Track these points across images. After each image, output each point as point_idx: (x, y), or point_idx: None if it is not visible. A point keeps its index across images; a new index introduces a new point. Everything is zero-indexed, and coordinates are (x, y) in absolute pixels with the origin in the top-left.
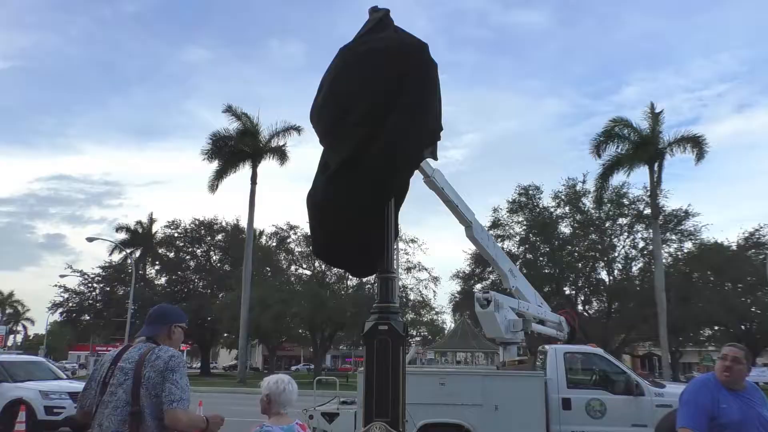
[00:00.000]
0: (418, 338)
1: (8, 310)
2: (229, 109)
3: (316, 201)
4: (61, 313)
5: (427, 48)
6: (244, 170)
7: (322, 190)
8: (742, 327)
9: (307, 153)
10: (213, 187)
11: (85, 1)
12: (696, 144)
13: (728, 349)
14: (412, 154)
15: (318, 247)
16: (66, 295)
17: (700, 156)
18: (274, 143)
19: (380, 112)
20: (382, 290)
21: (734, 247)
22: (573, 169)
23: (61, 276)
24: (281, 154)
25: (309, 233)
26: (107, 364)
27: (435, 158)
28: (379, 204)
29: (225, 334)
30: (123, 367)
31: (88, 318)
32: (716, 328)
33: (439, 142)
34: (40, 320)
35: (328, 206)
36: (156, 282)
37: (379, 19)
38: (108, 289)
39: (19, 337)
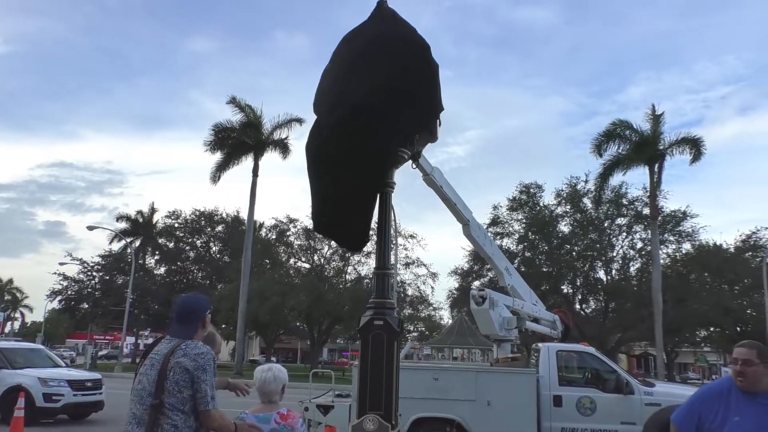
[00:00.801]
0: (415, 334)
1: (6, 297)
2: (233, 101)
3: (318, 154)
4: (60, 301)
5: (429, 49)
6: (246, 162)
7: (324, 141)
8: (738, 329)
9: None
10: (215, 178)
11: None
12: (694, 145)
13: (738, 350)
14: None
15: (316, 217)
16: (65, 283)
17: (696, 157)
18: (276, 135)
19: (381, 97)
20: (378, 286)
21: (732, 250)
22: (575, 168)
23: (61, 264)
24: (283, 147)
25: (310, 219)
26: (142, 358)
27: (435, 139)
28: (373, 166)
29: (223, 326)
30: (153, 357)
31: (86, 306)
32: (712, 329)
33: (441, 138)
34: (39, 307)
35: (328, 161)
36: (155, 272)
37: (379, 7)
38: (107, 277)
39: (17, 324)
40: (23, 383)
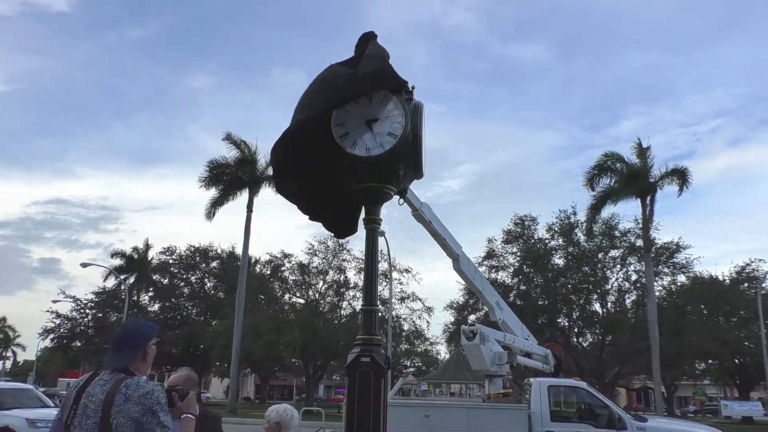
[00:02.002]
0: (412, 369)
1: None
2: (228, 137)
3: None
4: (52, 339)
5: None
6: (241, 198)
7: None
8: (736, 361)
9: None
10: (210, 214)
11: (90, 26)
12: (681, 176)
13: None
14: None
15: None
16: (58, 321)
17: (682, 187)
18: (271, 171)
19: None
20: (365, 322)
21: (727, 281)
22: (569, 201)
23: (54, 301)
24: None
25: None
26: (70, 401)
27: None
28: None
29: (217, 363)
30: (86, 404)
31: (79, 344)
32: (710, 361)
33: (434, 172)
34: (31, 346)
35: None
36: (149, 309)
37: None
38: (100, 315)
39: (9, 363)
40: (10, 424)
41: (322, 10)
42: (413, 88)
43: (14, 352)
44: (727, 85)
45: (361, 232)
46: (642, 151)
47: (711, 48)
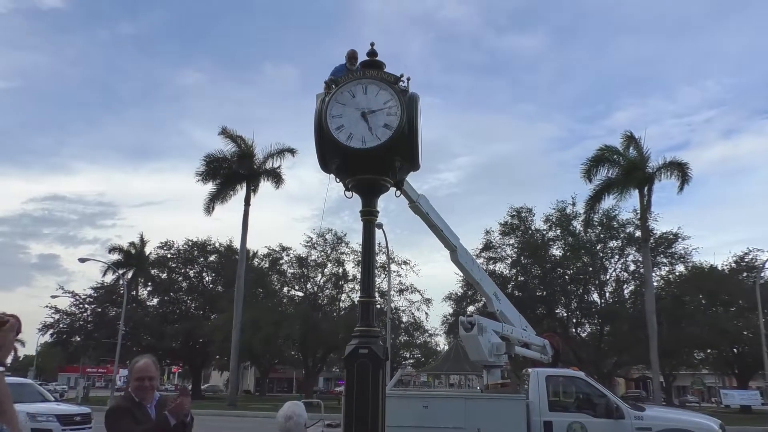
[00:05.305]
0: (411, 361)
1: None
2: (224, 132)
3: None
4: (52, 334)
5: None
6: (239, 192)
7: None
8: (735, 350)
9: (301, 174)
10: (208, 209)
11: (83, 22)
12: (680, 170)
13: None
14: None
15: None
16: (57, 316)
17: (683, 182)
18: (268, 165)
19: None
20: (363, 313)
21: (726, 271)
22: (565, 192)
23: (53, 297)
24: (276, 177)
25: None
26: None
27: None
28: None
29: (217, 356)
30: None
31: (78, 339)
32: (709, 351)
33: (431, 164)
34: (31, 341)
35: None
36: (148, 303)
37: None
38: (99, 310)
39: (9, 358)
40: None
41: (314, 3)
42: (408, 79)
43: (15, 348)
44: (720, 75)
45: (359, 224)
46: (630, 142)
47: (704, 38)
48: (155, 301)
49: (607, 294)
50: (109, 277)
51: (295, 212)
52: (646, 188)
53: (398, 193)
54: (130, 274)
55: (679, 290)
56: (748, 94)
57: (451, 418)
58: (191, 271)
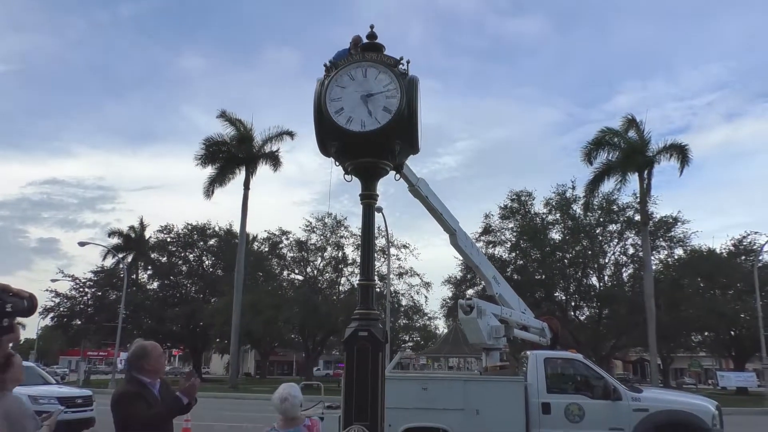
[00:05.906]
0: (410, 344)
1: None
2: (223, 115)
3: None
4: (52, 318)
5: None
6: (238, 175)
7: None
8: (732, 333)
9: (300, 158)
10: (208, 192)
11: (82, 4)
12: (681, 152)
13: None
14: None
15: None
16: (57, 300)
17: (683, 165)
18: (267, 148)
19: None
20: (363, 296)
21: (724, 255)
22: (567, 176)
23: (53, 281)
24: (275, 160)
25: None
26: None
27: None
28: None
29: (217, 340)
30: None
31: (79, 323)
32: (706, 334)
33: (431, 148)
34: (32, 325)
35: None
36: (148, 287)
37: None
38: (100, 293)
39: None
40: None
41: None
42: (408, 62)
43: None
44: (720, 59)
45: (358, 208)
46: (631, 125)
47: (706, 21)
48: (155, 284)
49: (606, 277)
50: (109, 261)
51: (294, 196)
52: (646, 172)
53: (398, 176)
54: (130, 258)
55: (677, 273)
56: (750, 78)
57: (450, 400)
58: (191, 255)
